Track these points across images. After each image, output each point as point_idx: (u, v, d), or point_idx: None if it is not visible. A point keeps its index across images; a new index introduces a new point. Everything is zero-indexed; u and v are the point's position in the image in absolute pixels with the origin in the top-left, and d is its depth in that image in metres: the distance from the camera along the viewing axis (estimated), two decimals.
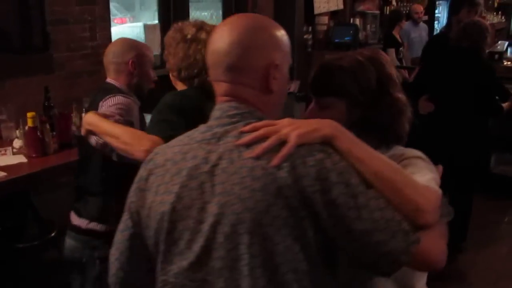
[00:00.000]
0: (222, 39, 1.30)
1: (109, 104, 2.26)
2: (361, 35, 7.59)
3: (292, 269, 1.18)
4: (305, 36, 7.15)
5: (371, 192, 1.19)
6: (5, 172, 2.57)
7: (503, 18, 12.51)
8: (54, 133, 2.98)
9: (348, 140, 1.23)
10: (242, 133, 1.24)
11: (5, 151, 2.88)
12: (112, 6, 5.04)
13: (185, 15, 5.70)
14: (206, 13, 6.65)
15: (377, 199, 1.19)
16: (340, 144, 1.21)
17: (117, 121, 2.08)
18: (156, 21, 5.71)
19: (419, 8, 7.82)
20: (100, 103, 2.29)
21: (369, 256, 1.20)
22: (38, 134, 2.79)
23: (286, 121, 1.24)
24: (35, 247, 3.95)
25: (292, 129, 1.19)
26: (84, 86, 4.39)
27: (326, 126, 1.23)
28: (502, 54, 7.11)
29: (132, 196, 1.38)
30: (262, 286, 1.18)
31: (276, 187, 1.15)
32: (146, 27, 5.53)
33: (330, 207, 1.15)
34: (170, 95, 2.07)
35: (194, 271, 1.25)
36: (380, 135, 1.54)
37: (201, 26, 2.06)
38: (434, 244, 1.26)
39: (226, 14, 6.45)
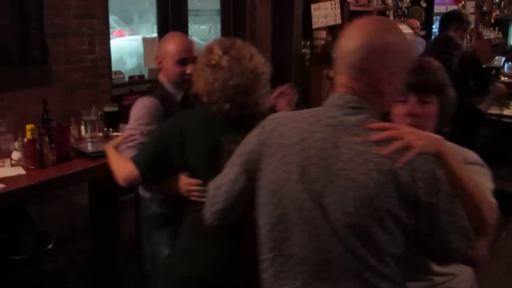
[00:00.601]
0: (350, 39, 1.49)
1: (132, 116, 2.57)
2: None
3: (394, 246, 1.43)
4: (303, 51, 7.17)
5: (459, 203, 1.43)
6: (3, 184, 2.56)
7: (499, 33, 12.59)
8: (53, 145, 2.97)
9: (451, 158, 1.45)
10: (369, 128, 1.44)
11: (4, 163, 2.87)
12: (111, 19, 5.06)
13: (183, 28, 5.73)
14: (204, 27, 6.69)
15: (462, 210, 1.43)
16: (446, 160, 1.43)
17: (131, 144, 2.41)
18: (155, 34, 5.73)
19: (415, 23, 7.86)
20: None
21: (437, 248, 1.46)
22: (37, 146, 2.78)
23: (408, 128, 1.49)
24: (31, 259, 3.94)
25: (415, 138, 1.42)
26: (83, 99, 4.40)
27: (440, 142, 1.46)
28: (499, 69, 7.15)
29: (247, 154, 1.62)
30: (369, 258, 1.42)
31: (397, 183, 1.38)
32: (145, 40, 5.56)
33: (430, 207, 1.40)
34: (178, 115, 2.19)
35: (308, 236, 1.48)
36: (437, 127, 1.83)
37: (227, 50, 2.07)
38: (482, 248, 1.50)
39: (224, 28, 6.48)
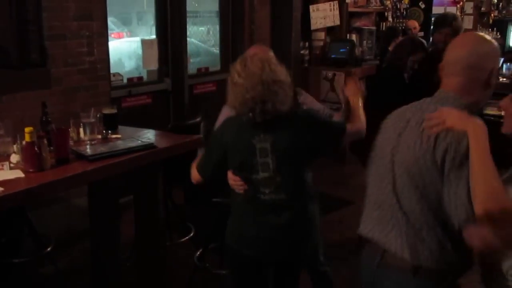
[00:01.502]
0: (463, 48, 1.98)
1: None
2: (357, 51, 7.60)
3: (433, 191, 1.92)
4: (301, 52, 7.18)
5: (465, 175, 1.80)
6: (2, 187, 2.55)
7: (498, 34, 12.57)
8: (51, 148, 2.97)
9: (477, 144, 1.79)
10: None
11: (2, 166, 2.86)
12: (109, 21, 5.06)
13: (182, 30, 5.73)
14: (203, 28, 6.67)
15: (464, 185, 1.80)
16: (471, 141, 1.80)
17: None
18: (154, 36, 5.74)
19: (413, 24, 7.87)
20: None
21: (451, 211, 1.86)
22: (36, 149, 2.77)
23: (453, 111, 1.89)
24: (31, 262, 3.94)
25: (448, 118, 1.86)
26: (82, 101, 4.40)
27: (472, 125, 1.82)
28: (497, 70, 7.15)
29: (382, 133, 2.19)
30: (416, 200, 1.94)
31: (434, 146, 1.87)
32: (144, 42, 5.56)
33: (441, 167, 1.85)
34: (221, 125, 2.67)
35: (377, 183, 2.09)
36: None
37: (244, 67, 2.42)
38: (488, 235, 1.71)
39: (223, 29, 6.48)
